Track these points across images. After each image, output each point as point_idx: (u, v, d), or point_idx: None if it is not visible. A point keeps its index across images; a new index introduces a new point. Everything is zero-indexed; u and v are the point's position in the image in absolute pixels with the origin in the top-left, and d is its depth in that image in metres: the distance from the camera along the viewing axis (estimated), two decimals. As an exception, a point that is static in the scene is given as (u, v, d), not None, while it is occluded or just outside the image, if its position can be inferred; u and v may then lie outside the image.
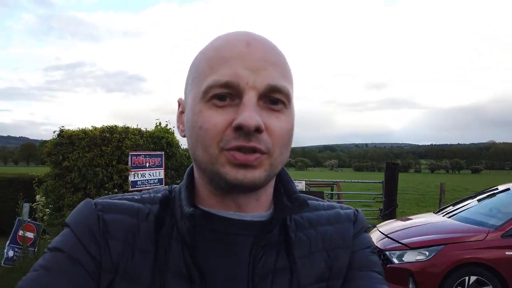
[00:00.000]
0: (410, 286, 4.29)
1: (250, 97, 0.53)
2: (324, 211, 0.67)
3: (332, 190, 10.92)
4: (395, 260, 4.46)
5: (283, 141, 0.55)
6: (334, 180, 9.55)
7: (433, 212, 5.77)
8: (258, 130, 0.52)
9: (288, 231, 0.61)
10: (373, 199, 8.89)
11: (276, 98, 0.55)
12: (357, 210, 0.70)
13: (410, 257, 4.36)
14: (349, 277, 0.62)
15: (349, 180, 9.14)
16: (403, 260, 4.39)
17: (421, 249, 4.34)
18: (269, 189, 0.62)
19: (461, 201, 5.71)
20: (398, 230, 4.94)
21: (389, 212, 8.37)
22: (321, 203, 0.69)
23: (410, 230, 4.83)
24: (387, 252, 4.60)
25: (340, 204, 0.71)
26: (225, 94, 0.53)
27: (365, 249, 0.65)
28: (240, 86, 0.53)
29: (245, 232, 0.58)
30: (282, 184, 0.64)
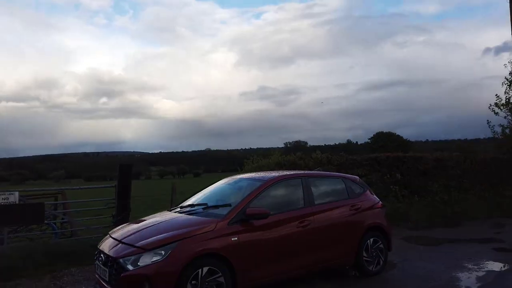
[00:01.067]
0: (146, 292, 3.97)
1: None
2: None
3: (56, 199, 9.44)
4: (130, 267, 4.05)
5: None
6: (58, 188, 8.22)
7: (167, 210, 5.71)
8: None
9: None
10: (106, 205, 8.19)
11: None
12: None
13: (146, 260, 4.05)
14: None
15: (77, 187, 8.04)
16: (139, 265, 4.03)
17: (156, 249, 4.10)
18: None
19: (191, 197, 5.90)
20: (132, 234, 4.55)
21: (122, 217, 7.88)
22: None
23: (145, 231, 4.52)
24: (121, 260, 4.13)
25: None
26: None
27: None
28: None
29: None
30: None
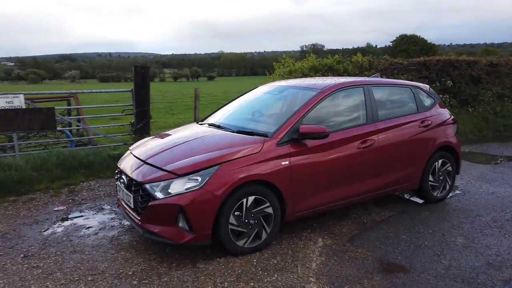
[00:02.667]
0: (180, 225, 3.24)
1: None
2: None
3: (69, 104, 8.63)
4: (159, 194, 3.26)
5: None
6: (70, 91, 7.33)
7: (196, 122, 4.81)
8: None
9: None
10: (122, 112, 7.36)
11: None
12: None
13: (179, 187, 3.24)
14: None
15: (90, 90, 7.11)
16: (170, 193, 3.24)
17: (191, 175, 3.26)
18: None
19: (222, 108, 4.94)
20: (159, 152, 3.70)
21: (142, 125, 7.09)
22: None
23: (174, 151, 3.66)
24: (147, 185, 3.34)
25: None
26: None
27: None
28: None
29: None
30: None
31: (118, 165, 4.00)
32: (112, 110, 7.80)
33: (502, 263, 3.25)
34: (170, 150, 3.67)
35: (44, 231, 4.10)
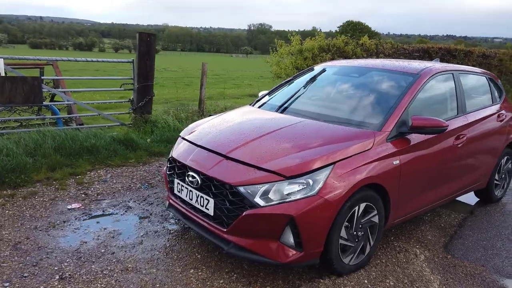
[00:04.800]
0: (282, 240, 2.56)
1: None
2: None
3: (42, 74, 7.23)
4: (260, 201, 2.53)
5: None
6: (48, 58, 6.03)
7: (249, 105, 4.04)
8: None
9: None
10: (121, 86, 6.25)
11: None
12: None
13: (281, 192, 2.54)
14: None
15: (87, 59, 5.73)
16: (271, 199, 2.53)
17: (301, 177, 2.57)
18: None
19: (279, 90, 4.19)
20: (242, 145, 2.91)
21: (145, 103, 6.10)
22: None
23: (263, 143, 2.89)
24: (241, 188, 2.58)
25: None
26: None
27: None
28: None
29: None
30: None
31: (176, 157, 3.15)
32: (106, 83, 6.61)
33: None
34: (257, 142, 2.90)
35: (70, 239, 3.18)
